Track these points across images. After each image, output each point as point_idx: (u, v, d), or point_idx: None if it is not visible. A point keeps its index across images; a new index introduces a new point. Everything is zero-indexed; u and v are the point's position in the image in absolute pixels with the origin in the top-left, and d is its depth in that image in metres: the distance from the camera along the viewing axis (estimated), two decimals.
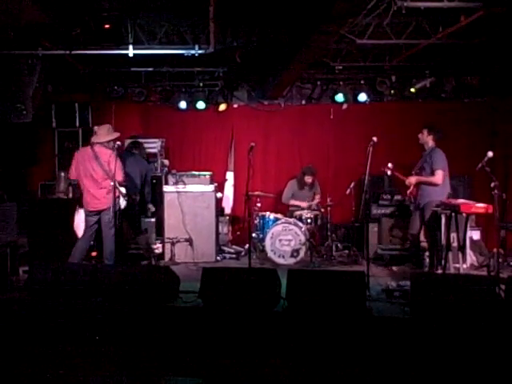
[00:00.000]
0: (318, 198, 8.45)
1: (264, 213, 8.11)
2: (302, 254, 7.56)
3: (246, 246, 7.70)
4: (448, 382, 3.86)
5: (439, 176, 6.62)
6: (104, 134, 6.48)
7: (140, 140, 8.21)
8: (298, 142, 9.35)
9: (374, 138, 6.08)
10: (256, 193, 7.94)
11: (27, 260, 6.73)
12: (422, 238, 7.57)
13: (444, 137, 7.18)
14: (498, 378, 3.87)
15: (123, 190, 6.37)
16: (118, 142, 6.44)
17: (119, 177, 6.24)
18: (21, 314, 5.09)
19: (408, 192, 7.26)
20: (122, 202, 6.40)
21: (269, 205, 8.79)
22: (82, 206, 6.69)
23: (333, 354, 4.25)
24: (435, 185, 6.66)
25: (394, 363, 4.10)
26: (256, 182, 8.53)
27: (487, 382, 3.85)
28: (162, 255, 7.92)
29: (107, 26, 6.76)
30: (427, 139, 6.91)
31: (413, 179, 6.88)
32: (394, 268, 7.34)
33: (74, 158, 6.55)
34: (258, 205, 8.12)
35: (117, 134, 6.50)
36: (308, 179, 8.34)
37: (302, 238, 7.56)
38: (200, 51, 7.05)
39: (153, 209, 8.07)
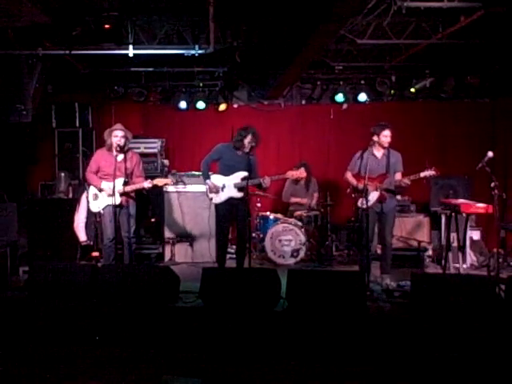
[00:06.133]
0: (315, 197, 8.46)
1: (264, 213, 8.11)
2: (302, 253, 7.55)
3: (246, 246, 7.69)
4: (448, 382, 3.85)
5: None
6: None
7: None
8: (298, 141, 9.34)
9: (375, 138, 6.08)
10: (256, 193, 7.93)
11: (27, 260, 6.75)
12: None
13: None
14: (497, 377, 3.86)
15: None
16: (119, 142, 6.42)
17: None
18: (21, 313, 5.09)
19: None
20: (91, 202, 6.37)
21: (269, 205, 8.79)
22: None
23: (333, 354, 4.24)
24: None
25: (393, 363, 4.10)
26: None
27: (487, 382, 3.84)
28: (162, 255, 7.93)
29: (107, 26, 6.74)
30: None
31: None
32: None
33: None
34: (258, 205, 8.12)
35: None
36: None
37: (302, 238, 7.55)
38: (200, 51, 7.05)
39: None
